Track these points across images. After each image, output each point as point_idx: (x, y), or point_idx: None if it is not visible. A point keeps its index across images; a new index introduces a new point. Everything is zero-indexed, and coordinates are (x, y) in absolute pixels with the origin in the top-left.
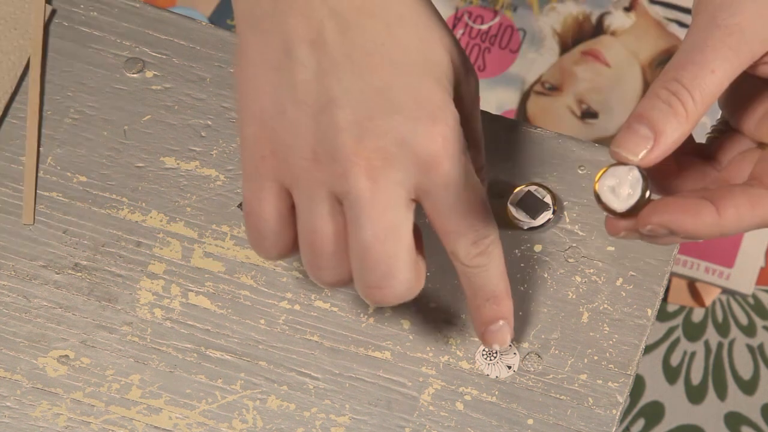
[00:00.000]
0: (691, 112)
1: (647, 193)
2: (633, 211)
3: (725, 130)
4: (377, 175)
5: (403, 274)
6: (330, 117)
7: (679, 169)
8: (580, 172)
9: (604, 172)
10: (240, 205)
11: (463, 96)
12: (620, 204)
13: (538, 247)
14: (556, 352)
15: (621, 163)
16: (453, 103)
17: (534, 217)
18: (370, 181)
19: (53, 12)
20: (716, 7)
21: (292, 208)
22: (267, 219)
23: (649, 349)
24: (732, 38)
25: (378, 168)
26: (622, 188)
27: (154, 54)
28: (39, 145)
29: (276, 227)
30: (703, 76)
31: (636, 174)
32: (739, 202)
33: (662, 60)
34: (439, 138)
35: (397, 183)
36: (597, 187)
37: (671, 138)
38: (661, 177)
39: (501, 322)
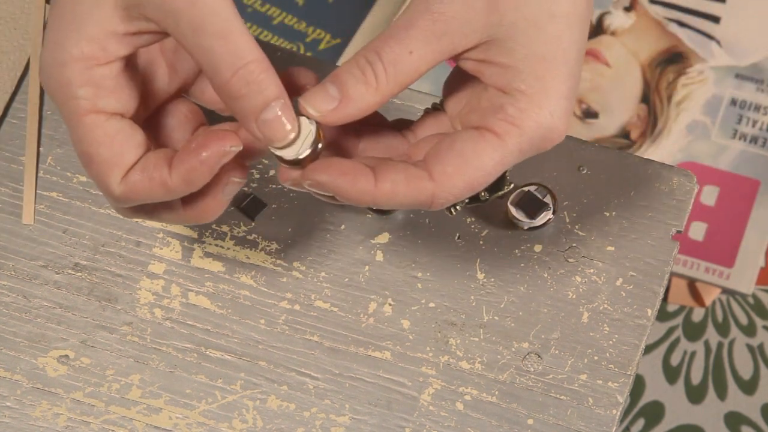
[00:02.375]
0: (382, 85)
1: (317, 149)
2: (301, 164)
3: (440, 109)
4: None
5: None
6: None
7: (369, 135)
8: (580, 172)
9: None
10: (239, 206)
11: None
12: (289, 154)
13: (538, 247)
14: (556, 352)
15: (305, 115)
16: None
17: (534, 217)
18: None
19: None
20: None
21: None
22: None
23: (649, 349)
24: (437, 26)
25: None
26: (297, 139)
27: None
28: (39, 145)
29: None
30: (401, 54)
31: (312, 129)
32: (397, 178)
33: (662, 60)
34: None
35: None
36: None
37: (357, 105)
38: (343, 139)
39: (274, 105)
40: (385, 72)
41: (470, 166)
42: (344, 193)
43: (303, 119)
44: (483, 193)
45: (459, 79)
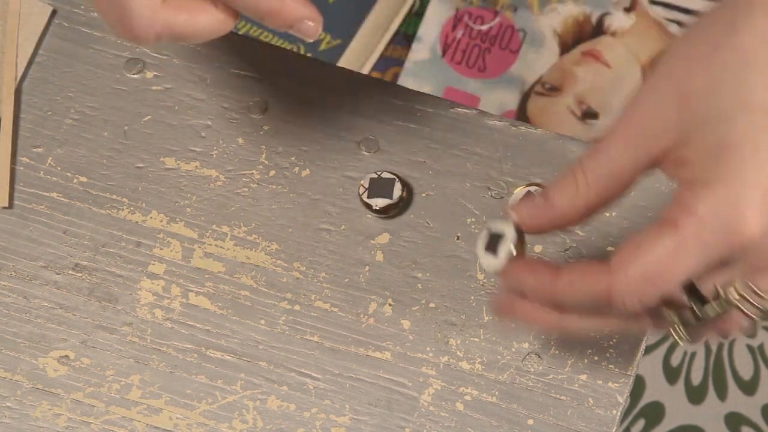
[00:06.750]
0: (582, 189)
1: (514, 252)
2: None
3: None
4: None
5: None
6: None
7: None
8: None
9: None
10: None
11: None
12: (491, 262)
13: (538, 248)
14: (557, 352)
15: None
16: None
17: None
18: None
19: (53, 12)
20: (634, 93)
21: None
22: None
23: (649, 349)
24: (630, 128)
25: None
26: (502, 244)
27: (154, 54)
28: (17, 131)
29: None
30: (599, 159)
31: (513, 234)
32: (574, 268)
33: None
34: None
35: None
36: (478, 247)
37: (559, 212)
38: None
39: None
40: (586, 178)
41: (643, 252)
42: (530, 286)
43: (506, 224)
44: (692, 305)
45: None
